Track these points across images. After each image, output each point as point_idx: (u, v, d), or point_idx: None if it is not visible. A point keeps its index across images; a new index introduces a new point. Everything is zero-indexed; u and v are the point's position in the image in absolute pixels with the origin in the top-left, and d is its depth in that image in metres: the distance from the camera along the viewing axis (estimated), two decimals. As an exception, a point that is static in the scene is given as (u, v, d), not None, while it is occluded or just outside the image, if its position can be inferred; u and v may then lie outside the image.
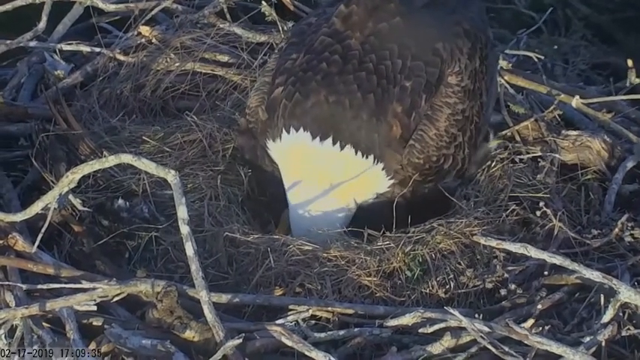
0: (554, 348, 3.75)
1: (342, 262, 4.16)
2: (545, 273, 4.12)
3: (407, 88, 4.26)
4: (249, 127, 4.44)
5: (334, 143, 4.22)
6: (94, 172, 4.22)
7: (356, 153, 4.23)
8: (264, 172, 4.46)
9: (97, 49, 5.09)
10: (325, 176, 4.28)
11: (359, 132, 4.22)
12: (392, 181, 4.29)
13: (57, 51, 5.10)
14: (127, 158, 3.90)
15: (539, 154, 4.67)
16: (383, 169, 4.26)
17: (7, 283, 3.95)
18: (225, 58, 5.12)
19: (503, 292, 4.09)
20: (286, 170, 4.35)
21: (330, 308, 3.94)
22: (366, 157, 4.24)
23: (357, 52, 4.29)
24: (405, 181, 4.30)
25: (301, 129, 4.25)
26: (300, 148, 4.27)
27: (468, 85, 4.39)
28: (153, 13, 5.24)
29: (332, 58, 4.29)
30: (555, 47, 5.85)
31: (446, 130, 4.33)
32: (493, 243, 4.12)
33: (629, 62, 5.25)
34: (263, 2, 5.24)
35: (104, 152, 4.44)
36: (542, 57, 5.29)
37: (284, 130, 4.28)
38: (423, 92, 4.28)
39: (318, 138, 4.23)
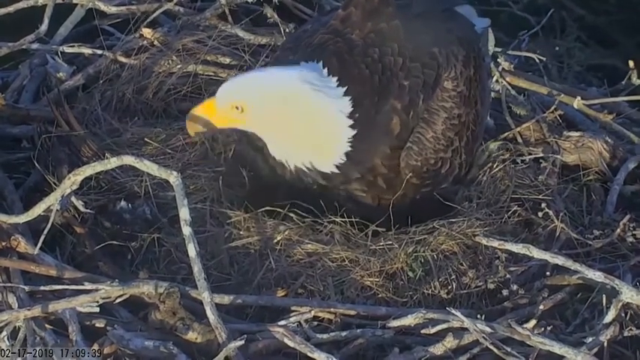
0: (557, 348, 3.76)
1: (344, 263, 4.16)
2: (547, 273, 4.12)
3: (405, 86, 4.27)
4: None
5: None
6: (96, 173, 4.24)
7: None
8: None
9: (99, 52, 5.10)
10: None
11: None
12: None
13: (59, 53, 5.10)
14: (129, 160, 3.91)
15: (541, 155, 4.68)
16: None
17: (9, 284, 3.95)
18: (227, 60, 5.12)
19: (505, 292, 4.09)
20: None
21: (332, 309, 3.94)
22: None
23: (359, 44, 4.32)
24: (401, 186, 4.27)
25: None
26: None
27: (463, 91, 4.39)
28: (155, 15, 5.25)
29: (336, 46, 4.32)
30: (555, 49, 5.86)
31: (443, 133, 4.33)
32: (495, 244, 4.12)
33: (631, 63, 5.26)
34: (265, 4, 5.25)
35: (106, 154, 4.44)
36: (544, 58, 5.29)
37: None
38: (420, 92, 4.29)
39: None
